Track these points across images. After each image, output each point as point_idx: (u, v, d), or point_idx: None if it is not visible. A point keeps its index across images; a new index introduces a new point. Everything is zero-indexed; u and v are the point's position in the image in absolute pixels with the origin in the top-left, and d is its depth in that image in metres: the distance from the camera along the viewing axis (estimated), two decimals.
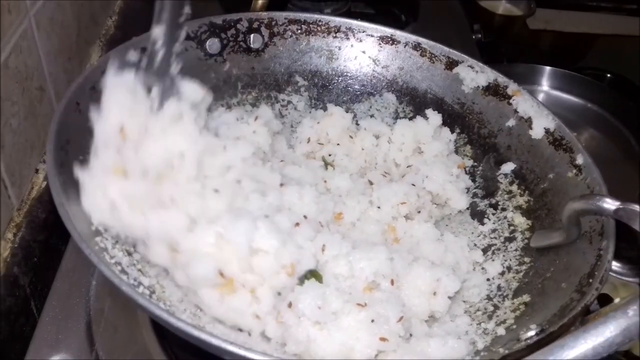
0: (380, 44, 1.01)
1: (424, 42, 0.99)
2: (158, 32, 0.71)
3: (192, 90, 0.76)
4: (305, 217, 0.81)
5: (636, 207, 0.64)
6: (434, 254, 0.84)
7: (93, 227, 0.69)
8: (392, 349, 0.69)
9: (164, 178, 0.71)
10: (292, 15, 0.99)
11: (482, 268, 0.86)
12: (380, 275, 0.76)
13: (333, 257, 0.75)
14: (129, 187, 0.69)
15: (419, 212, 0.90)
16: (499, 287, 0.82)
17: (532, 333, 0.66)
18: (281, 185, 0.83)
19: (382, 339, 0.68)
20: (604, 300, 0.81)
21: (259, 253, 0.70)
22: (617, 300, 0.64)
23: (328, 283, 0.74)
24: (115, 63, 0.71)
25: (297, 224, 0.77)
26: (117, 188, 0.69)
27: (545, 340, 0.63)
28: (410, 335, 0.74)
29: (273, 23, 0.99)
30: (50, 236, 0.91)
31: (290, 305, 0.70)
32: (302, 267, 0.73)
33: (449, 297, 0.78)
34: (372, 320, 0.69)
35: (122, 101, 0.69)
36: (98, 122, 0.69)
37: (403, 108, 1.03)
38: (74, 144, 0.73)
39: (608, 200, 0.67)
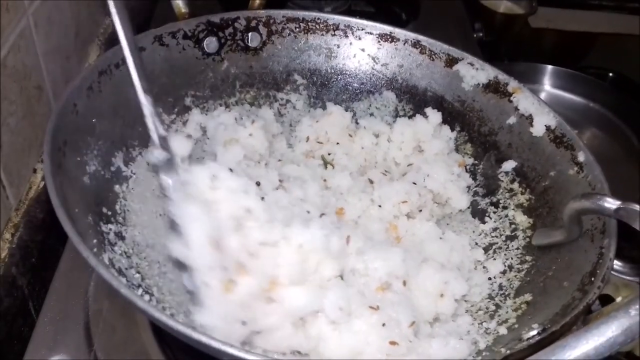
0: (379, 41, 1.00)
1: (424, 39, 0.99)
2: (147, 104, 0.66)
3: (180, 145, 0.72)
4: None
5: (636, 206, 0.64)
6: (440, 253, 0.83)
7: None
8: (401, 353, 0.68)
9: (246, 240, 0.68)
10: (290, 13, 0.99)
11: (484, 267, 0.86)
12: (394, 276, 0.75)
13: (356, 250, 0.75)
14: (244, 291, 0.65)
15: (421, 210, 0.90)
16: (500, 286, 0.82)
17: (534, 332, 0.66)
18: (280, 181, 0.83)
19: (392, 343, 0.67)
20: (606, 301, 0.81)
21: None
22: (618, 299, 0.64)
23: (346, 279, 0.73)
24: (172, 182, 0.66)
25: (322, 215, 0.77)
26: (238, 305, 0.65)
27: (547, 339, 0.62)
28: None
29: (271, 21, 0.98)
30: (48, 236, 0.90)
31: None
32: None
33: (456, 300, 0.77)
34: (383, 324, 0.68)
35: (195, 215, 0.65)
36: (190, 254, 0.64)
37: (403, 106, 1.02)
38: (71, 145, 0.73)
39: (609, 199, 0.66)
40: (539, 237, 0.82)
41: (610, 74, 1.63)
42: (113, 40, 1.14)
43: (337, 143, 0.97)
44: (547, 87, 1.53)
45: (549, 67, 1.52)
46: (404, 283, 0.75)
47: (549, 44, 1.85)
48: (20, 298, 0.83)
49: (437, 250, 0.83)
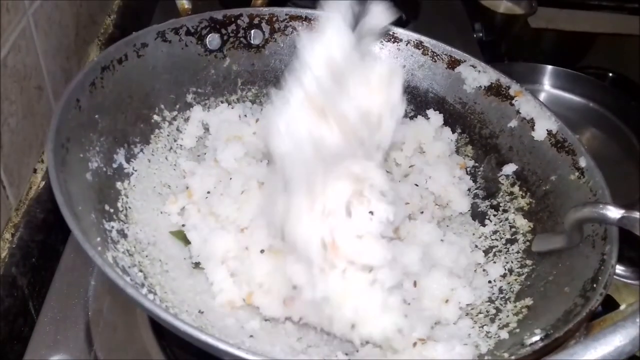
0: (381, 41, 1.00)
1: (426, 40, 0.98)
2: None
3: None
4: None
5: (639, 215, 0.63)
6: (447, 258, 0.83)
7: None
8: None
9: None
10: (293, 11, 0.98)
11: (484, 270, 0.85)
12: (404, 274, 0.75)
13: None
14: None
15: (422, 212, 0.89)
16: (500, 290, 0.81)
17: (536, 338, 0.65)
18: None
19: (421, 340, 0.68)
20: (607, 302, 0.81)
21: None
22: (623, 306, 0.63)
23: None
24: None
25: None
26: None
27: (551, 345, 0.62)
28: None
29: (274, 19, 0.97)
30: (48, 236, 0.90)
31: None
32: None
33: (460, 308, 0.77)
34: (406, 316, 0.68)
35: None
36: None
37: (404, 107, 1.01)
38: (74, 141, 0.72)
39: (611, 208, 0.65)
40: (539, 243, 0.81)
41: (610, 74, 1.63)
42: (113, 39, 1.14)
43: None
44: (547, 87, 1.53)
45: (549, 67, 1.52)
46: (415, 283, 0.75)
47: (549, 44, 1.85)
48: (20, 298, 0.83)
49: (444, 254, 0.83)
